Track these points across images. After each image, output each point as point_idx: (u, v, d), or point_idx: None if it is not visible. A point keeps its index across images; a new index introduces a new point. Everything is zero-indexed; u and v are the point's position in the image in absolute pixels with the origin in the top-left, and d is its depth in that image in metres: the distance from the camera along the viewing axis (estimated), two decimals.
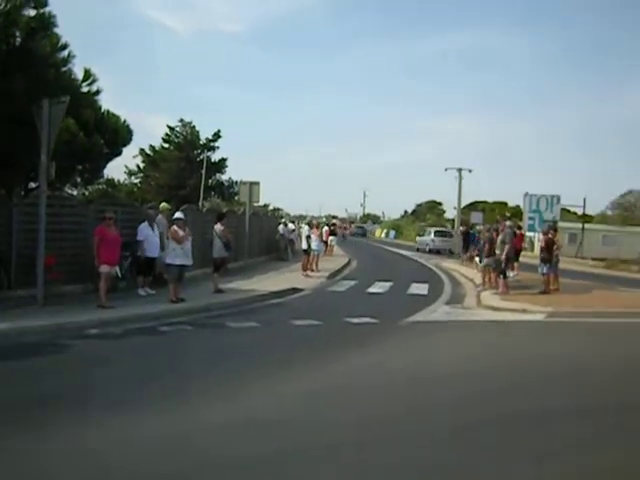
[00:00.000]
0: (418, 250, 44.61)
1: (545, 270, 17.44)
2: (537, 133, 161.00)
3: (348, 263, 28.77)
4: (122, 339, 9.97)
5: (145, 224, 14.43)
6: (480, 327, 12.81)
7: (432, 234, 44.96)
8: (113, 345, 9.69)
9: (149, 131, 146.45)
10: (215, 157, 47.36)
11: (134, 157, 45.91)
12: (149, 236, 14.33)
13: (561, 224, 40.21)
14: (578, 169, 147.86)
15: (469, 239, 28.31)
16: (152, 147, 46.98)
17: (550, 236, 17.88)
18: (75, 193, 24.95)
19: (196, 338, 10.56)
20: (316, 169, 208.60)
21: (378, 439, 5.44)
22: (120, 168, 45.60)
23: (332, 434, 5.54)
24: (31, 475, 4.58)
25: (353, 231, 78.13)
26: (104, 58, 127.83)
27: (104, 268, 12.10)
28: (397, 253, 43.08)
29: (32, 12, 14.55)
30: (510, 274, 18.78)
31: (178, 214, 14.23)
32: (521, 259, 22.54)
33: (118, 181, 45.06)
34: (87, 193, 30.73)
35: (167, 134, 47.63)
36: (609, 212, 67.43)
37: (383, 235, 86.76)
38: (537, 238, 33.00)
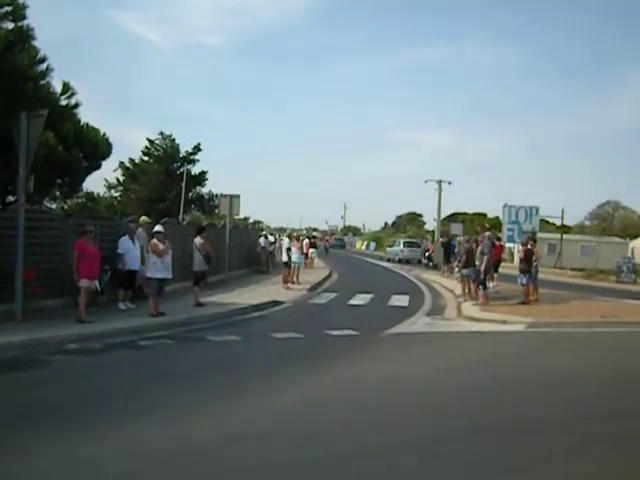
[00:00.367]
0: (389, 260, 47.25)
1: (524, 281, 17.56)
2: (516, 146, 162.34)
3: (329, 275, 28.82)
4: (102, 354, 9.90)
5: (126, 237, 14.37)
6: (461, 338, 12.86)
7: (401, 245, 48.05)
8: (93, 360, 9.61)
9: (129, 144, 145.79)
10: (195, 170, 47.11)
11: (114, 170, 45.55)
12: (130, 249, 14.27)
13: (540, 235, 40.79)
14: (556, 180, 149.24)
15: (450, 250, 28.41)
16: (132, 160, 46.65)
17: (529, 247, 18.03)
18: (54, 207, 24.68)
19: (177, 352, 10.49)
20: (296, 181, 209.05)
21: (362, 450, 5.45)
22: (100, 181, 45.39)
23: (313, 446, 5.54)
24: None
25: (332, 243, 78.33)
26: (84, 72, 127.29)
27: (84, 282, 12.01)
28: (378, 265, 43.24)
29: (10, 25, 14.46)
30: (490, 285, 18.92)
31: (158, 227, 14.20)
32: (501, 270, 22.67)
33: (98, 194, 44.66)
34: (66, 207, 30.38)
35: (147, 147, 47.34)
36: (587, 223, 68.30)
37: (364, 247, 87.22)
38: (516, 249, 33.36)
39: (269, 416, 6.52)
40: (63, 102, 17.24)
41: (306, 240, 34.25)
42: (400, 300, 18.92)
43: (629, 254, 43.77)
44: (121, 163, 45.83)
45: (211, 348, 10.82)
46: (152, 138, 47.38)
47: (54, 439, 5.55)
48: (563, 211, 48.91)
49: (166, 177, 45.20)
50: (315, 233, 65.81)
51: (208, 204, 47.38)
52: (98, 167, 20.09)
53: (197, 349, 10.84)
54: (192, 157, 47.19)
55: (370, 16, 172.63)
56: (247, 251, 28.90)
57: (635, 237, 53.50)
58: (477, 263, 17.44)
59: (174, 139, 47.16)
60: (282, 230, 73.27)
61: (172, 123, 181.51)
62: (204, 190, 47.81)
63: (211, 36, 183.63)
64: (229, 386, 7.79)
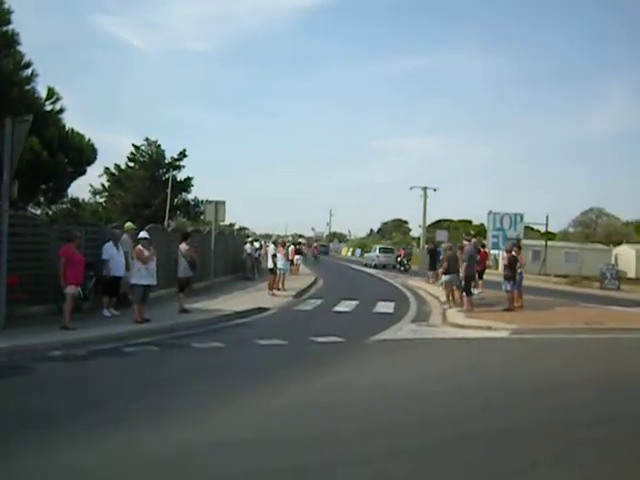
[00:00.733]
0: (366, 265, 50.69)
1: (509, 287, 17.65)
2: (501, 153, 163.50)
3: (314, 282, 28.81)
4: (86, 361, 9.83)
5: (110, 243, 14.28)
6: (446, 344, 12.91)
7: (377, 251, 51.71)
8: (77, 367, 9.55)
9: (115, 150, 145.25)
10: (181, 176, 47.01)
11: (99, 176, 45.28)
12: (114, 255, 14.19)
13: (524, 241, 41.01)
14: (541, 187, 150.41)
15: (436, 257, 28.47)
16: (117, 166, 46.45)
17: (513, 254, 18.13)
18: (39, 212, 24.55)
19: (161, 359, 10.45)
20: (282, 188, 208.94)
21: (348, 456, 5.45)
22: (85, 187, 45.10)
23: (298, 453, 5.53)
24: None
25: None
26: (69, 77, 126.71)
27: (70, 289, 11.94)
28: (363, 271, 43.37)
29: None
30: (475, 292, 19.02)
31: (143, 234, 14.13)
32: (486, 277, 22.82)
33: (83, 200, 44.25)
34: (51, 213, 30.22)
35: (132, 153, 47.16)
36: (571, 229, 68.72)
37: (349, 253, 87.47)
38: (501, 256, 33.57)
39: (253, 423, 6.50)
40: (48, 107, 17.23)
41: (292, 247, 34.32)
42: (385, 307, 18.95)
43: (612, 261, 44.23)
44: (106, 169, 45.64)
45: (196, 355, 10.77)
46: (138, 144, 47.29)
47: (37, 447, 5.49)
48: (547, 218, 49.30)
49: (151, 183, 45.05)
50: (301, 240, 65.62)
51: (193, 210, 47.29)
52: (83, 173, 20.08)
53: (182, 356, 10.80)
54: (177, 163, 47.10)
55: (361, 22, 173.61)
56: (232, 257, 28.82)
57: (618, 244, 53.99)
58: (461, 270, 17.56)
59: (159, 145, 47.11)
60: (268, 237, 73.09)
61: (159, 129, 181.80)
62: (190, 196, 47.77)
63: (197, 42, 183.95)
64: (213, 393, 7.77)
